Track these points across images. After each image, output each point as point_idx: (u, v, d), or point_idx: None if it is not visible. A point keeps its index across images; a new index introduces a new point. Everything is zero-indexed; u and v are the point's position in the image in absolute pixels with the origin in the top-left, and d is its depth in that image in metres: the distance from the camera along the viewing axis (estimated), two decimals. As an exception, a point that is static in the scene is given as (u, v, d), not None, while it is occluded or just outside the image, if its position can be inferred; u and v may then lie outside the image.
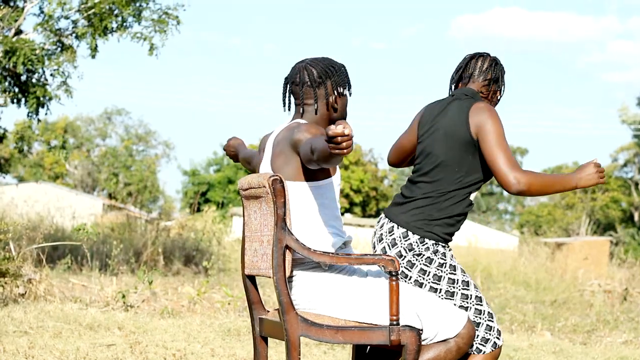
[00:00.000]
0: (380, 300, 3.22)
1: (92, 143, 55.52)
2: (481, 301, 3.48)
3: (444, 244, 3.50)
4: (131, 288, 8.49)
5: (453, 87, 3.74)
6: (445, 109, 3.58)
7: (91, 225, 12.25)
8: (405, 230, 3.47)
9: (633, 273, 16.13)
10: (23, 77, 13.97)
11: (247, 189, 3.38)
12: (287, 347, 3.16)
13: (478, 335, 3.45)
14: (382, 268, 3.20)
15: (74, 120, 54.43)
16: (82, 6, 14.01)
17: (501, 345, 3.48)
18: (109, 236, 14.64)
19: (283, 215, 3.19)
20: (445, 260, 3.46)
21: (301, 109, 3.39)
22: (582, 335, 8.70)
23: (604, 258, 20.48)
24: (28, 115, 14.12)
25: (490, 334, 3.46)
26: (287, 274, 3.19)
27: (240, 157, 3.85)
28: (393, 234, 3.49)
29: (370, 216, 47.31)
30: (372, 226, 29.45)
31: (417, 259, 3.44)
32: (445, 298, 3.44)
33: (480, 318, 3.46)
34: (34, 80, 13.99)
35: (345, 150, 2.77)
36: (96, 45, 14.00)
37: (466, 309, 3.45)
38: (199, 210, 30.48)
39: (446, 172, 3.50)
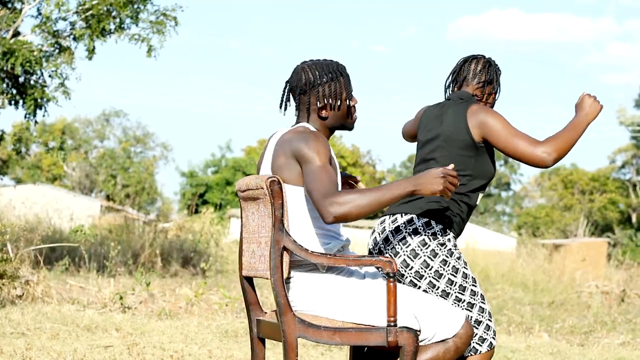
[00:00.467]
0: (377, 302, 3.22)
1: (90, 145, 55.52)
2: (484, 300, 3.49)
3: (449, 235, 3.46)
4: (129, 289, 8.49)
5: (449, 91, 3.74)
6: (442, 115, 3.58)
7: (89, 227, 12.23)
8: (410, 216, 3.45)
9: (631, 274, 16.15)
10: (21, 79, 13.96)
11: (245, 191, 3.38)
12: (284, 348, 3.16)
13: (476, 334, 3.43)
14: (380, 269, 3.19)
15: (71, 122, 54.45)
16: (80, 8, 14.01)
17: (494, 346, 3.48)
18: (107, 238, 14.62)
19: (281, 216, 3.19)
20: (449, 259, 3.44)
21: (306, 112, 3.38)
22: (580, 337, 8.70)
23: (602, 259, 20.49)
24: (26, 117, 14.11)
25: (488, 334, 3.45)
26: (285, 275, 3.19)
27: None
28: (397, 222, 3.46)
29: (368, 218, 47.33)
30: (370, 227, 29.44)
31: (422, 250, 3.41)
32: (458, 292, 3.41)
33: (482, 316, 3.45)
34: (31, 82, 13.98)
35: None
36: (94, 47, 14.00)
37: (472, 305, 3.43)
38: (196, 211, 30.47)
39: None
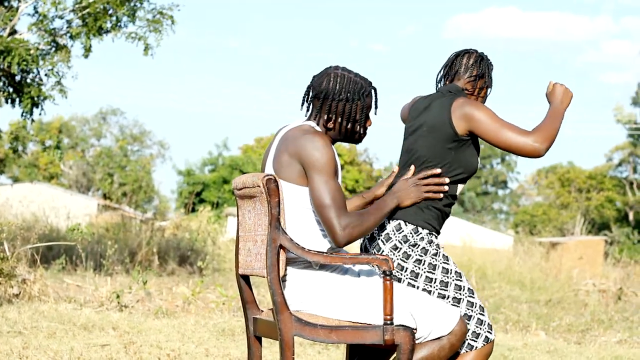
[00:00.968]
0: (373, 300, 3.22)
1: (86, 143, 55.46)
2: (473, 294, 3.46)
3: (423, 234, 3.47)
4: (125, 288, 8.48)
5: (441, 85, 3.73)
6: (429, 106, 3.58)
7: (86, 226, 12.25)
8: (397, 222, 3.46)
9: (627, 272, 16.19)
10: (17, 77, 13.96)
11: (241, 189, 3.38)
12: (281, 346, 3.16)
13: (469, 330, 3.41)
14: (376, 268, 3.19)
15: (68, 121, 54.38)
16: (77, 6, 14.00)
17: (493, 340, 3.43)
18: (104, 236, 14.63)
19: (277, 214, 3.18)
20: (439, 250, 3.45)
21: (315, 116, 3.36)
22: (577, 335, 8.71)
23: (599, 257, 20.52)
24: (22, 115, 14.11)
25: (481, 328, 3.40)
26: (281, 273, 3.19)
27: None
28: (385, 229, 3.48)
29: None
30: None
31: (412, 250, 3.41)
32: (440, 288, 3.40)
33: (472, 311, 3.41)
34: (28, 80, 13.98)
35: None
36: (90, 45, 14.00)
37: (459, 300, 3.42)
38: (193, 210, 30.43)
39: (428, 169, 3.49)
